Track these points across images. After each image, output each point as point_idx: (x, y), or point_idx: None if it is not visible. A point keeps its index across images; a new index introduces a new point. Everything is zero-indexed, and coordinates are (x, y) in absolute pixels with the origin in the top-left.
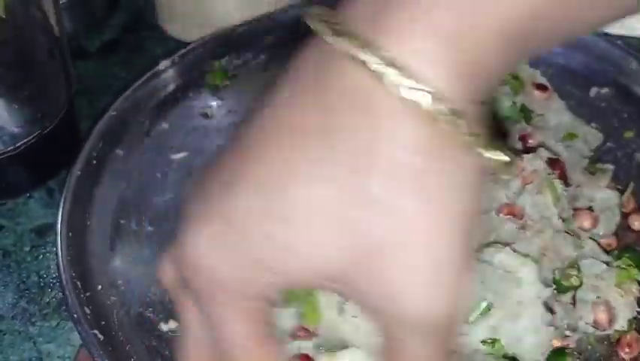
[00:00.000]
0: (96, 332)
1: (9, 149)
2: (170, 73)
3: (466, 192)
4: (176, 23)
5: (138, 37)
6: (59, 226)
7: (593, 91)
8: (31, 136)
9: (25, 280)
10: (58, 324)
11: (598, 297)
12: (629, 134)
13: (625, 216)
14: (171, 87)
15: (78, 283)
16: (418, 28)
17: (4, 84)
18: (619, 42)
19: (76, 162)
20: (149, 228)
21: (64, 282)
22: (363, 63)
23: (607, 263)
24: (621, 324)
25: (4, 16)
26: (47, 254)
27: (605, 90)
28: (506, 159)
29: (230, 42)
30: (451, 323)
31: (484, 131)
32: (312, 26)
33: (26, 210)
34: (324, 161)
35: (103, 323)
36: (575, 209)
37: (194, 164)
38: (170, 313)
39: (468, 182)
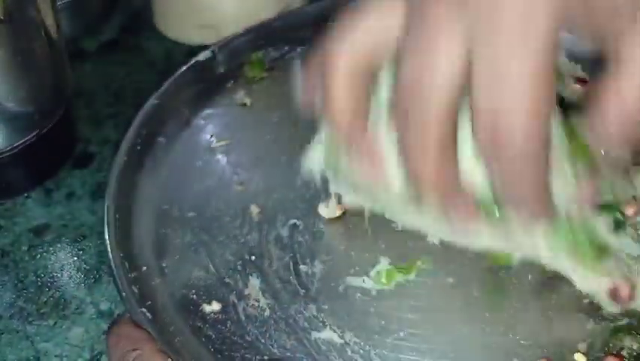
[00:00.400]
0: (144, 310)
1: (7, 149)
2: (210, 64)
3: None
4: (173, 24)
5: (136, 38)
6: (107, 210)
7: None
8: (29, 136)
9: (22, 279)
10: (55, 323)
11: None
12: None
13: None
14: (211, 78)
15: (126, 263)
16: None
17: (1, 85)
18: None
19: (120, 148)
20: (191, 214)
21: (112, 262)
22: None
23: None
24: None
25: (2, 18)
26: (45, 254)
27: None
28: None
29: (268, 35)
30: None
31: None
32: None
33: (24, 210)
34: None
35: (149, 302)
36: None
37: (234, 152)
38: (212, 296)
39: None
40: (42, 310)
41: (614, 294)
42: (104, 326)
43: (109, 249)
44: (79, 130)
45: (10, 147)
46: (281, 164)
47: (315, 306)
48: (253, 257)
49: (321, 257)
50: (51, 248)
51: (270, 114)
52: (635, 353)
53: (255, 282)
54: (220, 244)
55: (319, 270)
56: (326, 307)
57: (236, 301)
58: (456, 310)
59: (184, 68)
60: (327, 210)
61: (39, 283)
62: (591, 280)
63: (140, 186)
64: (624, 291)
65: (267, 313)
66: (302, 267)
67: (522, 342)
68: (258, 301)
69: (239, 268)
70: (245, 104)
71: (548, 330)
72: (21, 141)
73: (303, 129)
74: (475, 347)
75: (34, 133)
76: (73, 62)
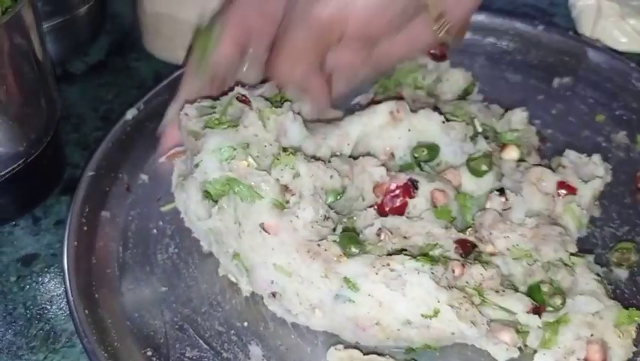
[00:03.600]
0: None
1: None
2: (139, 121)
3: None
4: (161, 45)
5: (124, 59)
6: (71, 302)
7: (556, 82)
8: (16, 164)
9: (11, 311)
10: (45, 358)
11: (592, 335)
12: (600, 118)
13: None
14: (142, 135)
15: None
16: None
17: None
18: (570, 33)
19: (67, 233)
20: (163, 289)
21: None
22: None
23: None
24: None
25: None
26: (33, 284)
27: (566, 80)
28: None
29: None
30: None
31: None
32: None
33: (12, 240)
34: None
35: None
36: None
37: None
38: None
39: None
40: (32, 344)
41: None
42: None
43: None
44: (67, 155)
45: None
46: None
47: None
48: (245, 323)
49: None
50: (40, 278)
51: None
52: None
53: (256, 350)
54: (205, 315)
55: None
56: None
57: None
58: None
59: (113, 130)
60: None
61: (28, 316)
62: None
63: (96, 268)
64: (596, 357)
65: None
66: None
67: None
68: None
69: (233, 338)
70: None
71: None
72: (8, 170)
73: None
74: None
75: (21, 161)
76: (60, 85)
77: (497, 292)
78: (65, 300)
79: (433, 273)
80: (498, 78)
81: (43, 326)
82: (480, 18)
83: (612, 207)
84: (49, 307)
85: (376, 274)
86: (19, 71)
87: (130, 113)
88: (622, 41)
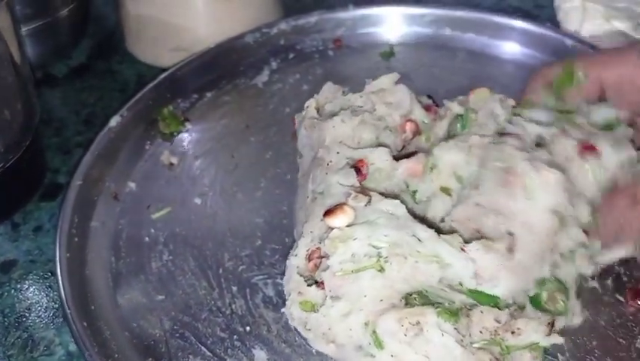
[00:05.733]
0: None
1: None
2: (122, 128)
3: None
4: (145, 48)
5: (107, 62)
6: (68, 315)
7: None
8: None
9: None
10: None
11: None
12: None
13: None
14: (127, 142)
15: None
16: None
17: None
18: (570, 34)
19: (58, 245)
20: (160, 297)
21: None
22: None
23: None
24: None
25: None
26: (12, 291)
27: None
28: None
29: (173, 86)
30: None
31: None
32: None
33: None
34: None
35: None
36: None
37: (179, 218)
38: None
39: None
40: (9, 353)
41: None
42: None
43: None
44: (47, 160)
45: None
46: (241, 218)
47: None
48: (248, 327)
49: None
50: (18, 285)
51: (200, 170)
52: None
53: (260, 354)
54: (205, 322)
55: None
56: None
57: None
58: None
59: (97, 138)
60: None
61: (6, 324)
62: None
63: (90, 280)
64: None
65: None
66: None
67: None
68: None
69: (237, 343)
70: (172, 164)
71: None
72: None
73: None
74: None
75: None
76: (41, 89)
77: (513, 332)
78: (44, 308)
79: (457, 330)
80: None
81: (21, 334)
82: None
83: None
84: (27, 314)
85: (405, 335)
86: None
87: (114, 120)
88: (607, 43)
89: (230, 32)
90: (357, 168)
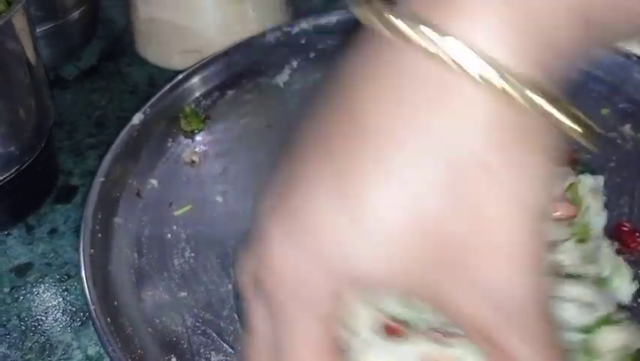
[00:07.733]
0: None
1: None
2: (145, 125)
3: (541, 186)
4: (156, 50)
5: (117, 64)
6: (92, 311)
7: None
8: (9, 172)
9: (5, 323)
10: None
11: None
12: (604, 112)
13: None
14: (149, 139)
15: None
16: (486, 7)
17: None
18: None
19: (82, 241)
20: (182, 294)
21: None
22: (431, 53)
23: None
24: None
25: None
26: (28, 295)
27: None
28: (589, 123)
29: (195, 85)
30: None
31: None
32: (367, 20)
33: (5, 249)
34: (394, 161)
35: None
36: None
37: (201, 216)
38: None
39: (544, 175)
40: (27, 357)
41: None
42: None
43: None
44: (60, 162)
45: None
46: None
47: None
48: None
49: None
50: (34, 289)
51: (221, 169)
52: None
53: None
54: (227, 319)
55: None
56: None
57: None
58: None
59: (120, 135)
60: None
61: (23, 328)
62: None
63: (113, 276)
64: None
65: None
66: None
67: None
68: None
69: None
70: (193, 162)
71: None
72: (1, 178)
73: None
74: None
75: (14, 169)
76: (52, 91)
77: None
78: (61, 312)
79: None
80: None
81: (38, 338)
82: None
83: (623, 198)
84: (44, 318)
85: None
86: (12, 77)
87: (136, 118)
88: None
89: (241, 34)
90: None
